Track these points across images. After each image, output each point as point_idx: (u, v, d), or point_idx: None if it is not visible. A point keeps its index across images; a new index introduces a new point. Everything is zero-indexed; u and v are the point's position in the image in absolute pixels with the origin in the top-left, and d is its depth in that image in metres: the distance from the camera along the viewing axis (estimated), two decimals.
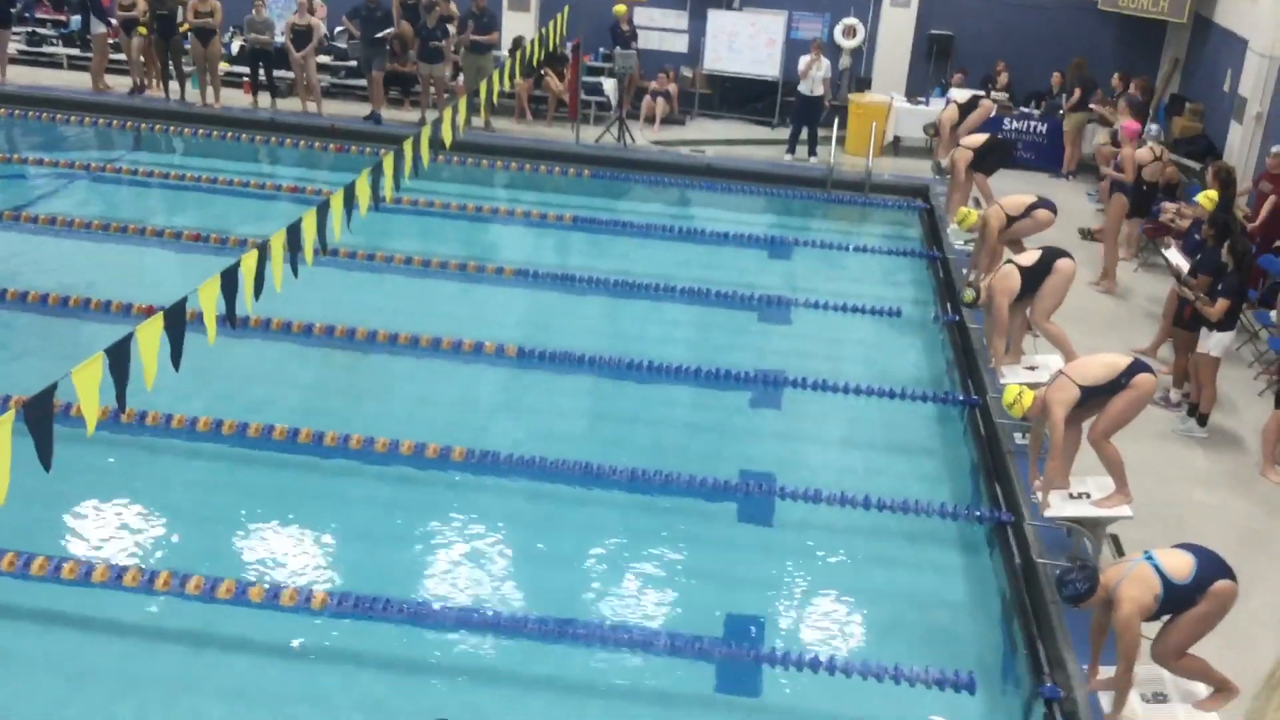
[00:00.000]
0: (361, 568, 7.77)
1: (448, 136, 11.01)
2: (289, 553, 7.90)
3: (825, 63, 17.50)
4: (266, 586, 7.22)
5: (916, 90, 18.90)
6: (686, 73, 19.77)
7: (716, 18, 19.43)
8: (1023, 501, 8.30)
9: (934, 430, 10.21)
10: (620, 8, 18.55)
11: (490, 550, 8.13)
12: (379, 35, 17.64)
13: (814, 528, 8.51)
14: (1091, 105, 17.22)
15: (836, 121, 17.87)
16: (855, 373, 10.72)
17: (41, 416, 5.01)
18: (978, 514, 8.57)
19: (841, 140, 17.75)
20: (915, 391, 10.29)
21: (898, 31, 19.47)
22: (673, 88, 19.02)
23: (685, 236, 14.34)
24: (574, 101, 17.55)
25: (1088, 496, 8.02)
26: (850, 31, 19.35)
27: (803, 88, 17.45)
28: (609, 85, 18.76)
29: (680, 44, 20.04)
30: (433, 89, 17.94)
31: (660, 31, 19.90)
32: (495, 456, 8.78)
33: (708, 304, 12.23)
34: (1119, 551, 7.94)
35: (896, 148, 18.43)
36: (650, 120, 18.69)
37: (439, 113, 12.52)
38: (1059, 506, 7.92)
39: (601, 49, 19.34)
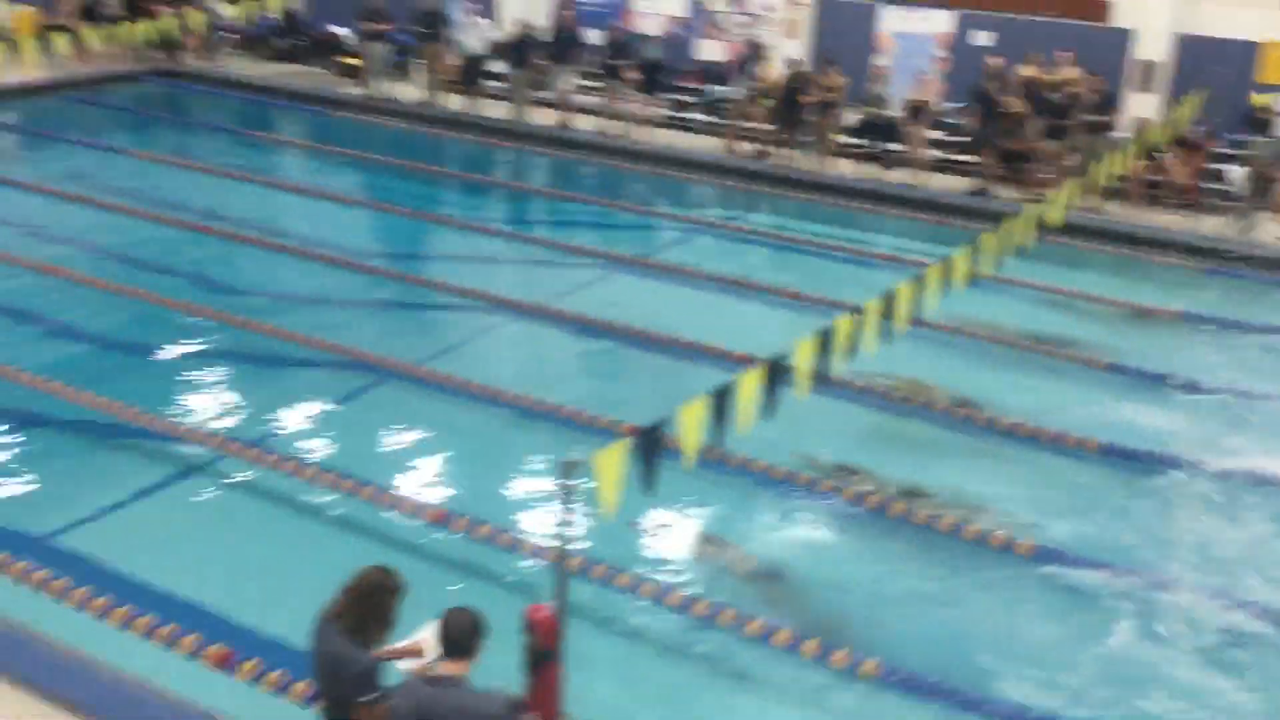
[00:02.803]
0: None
1: (1056, 217, 10.79)
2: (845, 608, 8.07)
3: None
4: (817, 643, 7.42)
5: None
6: None
7: None
8: None
9: None
10: (1262, 97, 17.17)
11: None
12: (997, 112, 17.64)
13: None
14: None
15: None
16: None
17: (650, 445, 5.56)
18: None
19: None
20: None
21: None
22: None
23: None
24: (1195, 189, 16.46)
25: None
26: None
27: None
28: (1238, 173, 17.35)
29: None
30: (1047, 167, 17.60)
31: None
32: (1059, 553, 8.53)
33: None
34: None
35: None
36: None
37: (1049, 192, 12.30)
38: None
39: (1229, 135, 17.95)
